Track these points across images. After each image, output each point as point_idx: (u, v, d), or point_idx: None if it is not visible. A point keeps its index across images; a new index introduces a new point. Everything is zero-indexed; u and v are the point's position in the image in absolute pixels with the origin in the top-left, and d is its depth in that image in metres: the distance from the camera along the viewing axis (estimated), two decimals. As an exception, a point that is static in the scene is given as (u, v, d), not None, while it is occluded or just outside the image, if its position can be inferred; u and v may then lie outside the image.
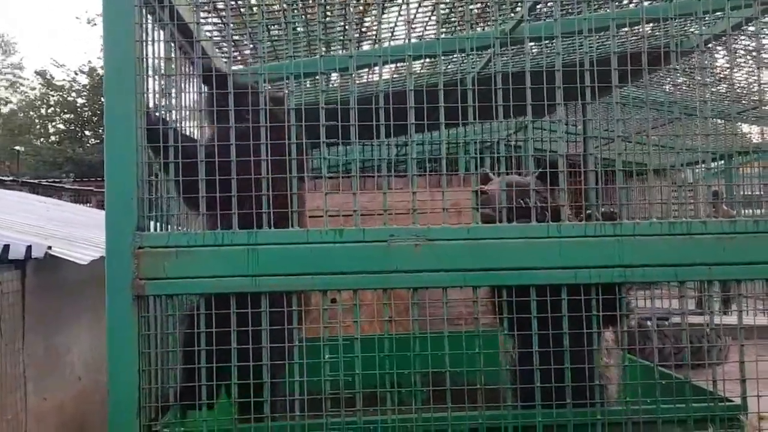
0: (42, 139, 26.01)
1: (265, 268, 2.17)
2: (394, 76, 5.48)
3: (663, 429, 2.19)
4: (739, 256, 2.20)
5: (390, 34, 4.62)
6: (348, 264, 2.19)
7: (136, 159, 2.18)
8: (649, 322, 4.74)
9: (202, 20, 2.72)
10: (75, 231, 4.13)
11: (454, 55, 5.06)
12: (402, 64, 4.63)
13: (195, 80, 2.80)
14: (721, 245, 2.20)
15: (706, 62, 2.70)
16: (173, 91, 2.49)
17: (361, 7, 4.79)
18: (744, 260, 2.20)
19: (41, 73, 25.87)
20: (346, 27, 4.09)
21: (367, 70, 5.08)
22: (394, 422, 2.18)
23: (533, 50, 4.98)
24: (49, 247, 3.02)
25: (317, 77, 2.44)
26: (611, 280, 2.21)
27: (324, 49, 4.72)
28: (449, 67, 5.33)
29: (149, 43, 2.31)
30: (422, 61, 4.75)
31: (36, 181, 10.16)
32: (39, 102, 27.26)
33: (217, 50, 3.57)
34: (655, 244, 2.21)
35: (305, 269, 2.18)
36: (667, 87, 7.19)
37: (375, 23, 4.88)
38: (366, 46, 5.32)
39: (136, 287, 2.14)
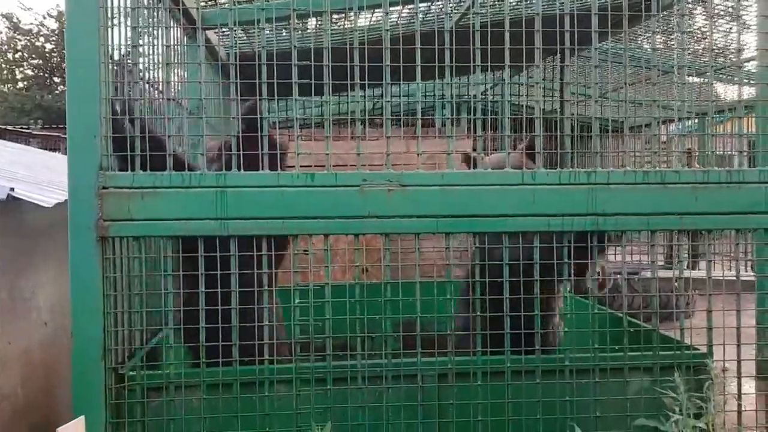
0: (9, 85, 25.12)
1: (234, 211, 2.12)
2: (370, 23, 5.33)
3: (629, 376, 2.23)
4: (710, 206, 2.20)
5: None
6: (319, 208, 2.14)
7: (99, 95, 2.09)
8: (618, 276, 4.80)
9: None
10: (41, 175, 4.00)
11: (433, 3, 4.94)
12: (379, 11, 4.50)
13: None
14: (693, 195, 2.20)
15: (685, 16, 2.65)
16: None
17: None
18: (715, 210, 2.20)
19: (7, 17, 24.86)
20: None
21: (342, 16, 4.93)
22: (363, 367, 2.18)
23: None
24: (12, 189, 2.91)
25: (290, 22, 2.31)
26: (583, 228, 2.21)
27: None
28: (427, 16, 5.20)
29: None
30: (399, 7, 4.61)
31: (3, 126, 9.83)
32: (5, 47, 26.25)
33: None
34: (628, 193, 2.20)
35: (275, 213, 2.13)
36: (645, 43, 7.14)
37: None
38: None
39: (100, 228, 2.08)
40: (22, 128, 9.61)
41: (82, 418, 1.88)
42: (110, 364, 2.10)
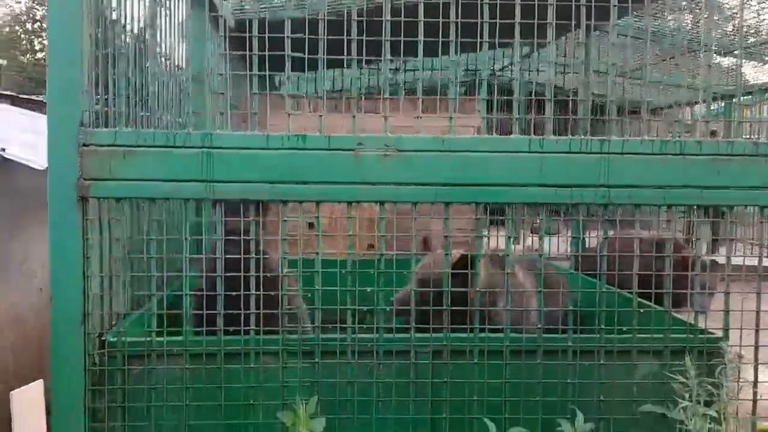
0: (28, 55, 25.24)
1: (221, 173, 2.00)
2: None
3: (637, 359, 2.09)
4: (733, 180, 2.04)
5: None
6: (311, 173, 2.01)
7: (81, 47, 1.97)
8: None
9: None
10: (40, 139, 3.92)
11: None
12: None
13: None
14: (715, 168, 2.04)
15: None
16: None
17: None
18: (739, 184, 2.04)
19: (27, -14, 24.97)
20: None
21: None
22: (353, 341, 2.07)
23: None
24: (3, 149, 2.83)
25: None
26: (594, 201, 2.06)
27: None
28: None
29: None
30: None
31: (16, 94, 9.79)
32: (24, 17, 26.32)
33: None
34: (644, 164, 2.04)
35: (264, 177, 2.01)
36: (670, 20, 6.85)
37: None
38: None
39: (80, 188, 1.97)
40: (36, 98, 9.56)
41: (40, 382, 1.80)
42: (91, 329, 2.01)
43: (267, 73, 2.08)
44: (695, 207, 2.15)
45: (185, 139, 1.99)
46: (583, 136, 2.05)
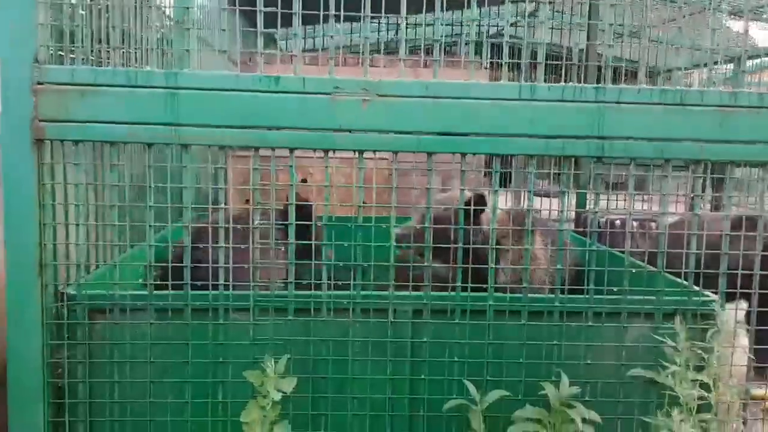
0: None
1: (187, 116, 1.85)
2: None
3: (627, 321, 1.99)
4: (737, 134, 1.90)
5: None
6: (284, 118, 1.87)
7: (35, -25, 1.80)
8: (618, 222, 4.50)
9: None
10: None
11: None
12: None
13: None
14: (717, 119, 1.90)
15: None
16: None
17: None
18: (743, 138, 1.90)
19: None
20: None
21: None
22: (329, 298, 1.95)
23: None
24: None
25: None
26: (587, 154, 1.92)
27: None
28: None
29: None
30: None
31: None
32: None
33: None
34: (641, 114, 1.90)
35: (234, 121, 1.87)
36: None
37: None
38: None
39: (36, 130, 1.83)
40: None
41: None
42: (49, 280, 1.89)
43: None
44: (694, 162, 2.02)
45: (148, 77, 1.84)
46: (577, 84, 1.91)
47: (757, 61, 6.89)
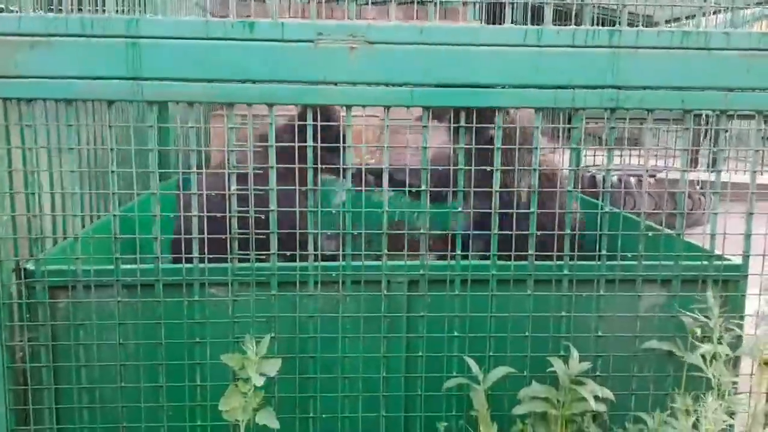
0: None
1: (151, 69, 1.64)
2: None
3: (643, 289, 1.82)
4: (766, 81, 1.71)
5: None
6: (260, 69, 1.66)
7: None
8: (632, 179, 4.32)
9: None
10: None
11: None
12: None
13: None
14: (745, 65, 1.70)
15: None
16: None
17: None
18: (772, 85, 1.71)
19: None
20: None
21: None
22: (315, 269, 1.77)
23: None
24: None
25: None
26: (600, 105, 1.73)
27: None
28: None
29: None
30: None
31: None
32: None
33: None
34: (660, 60, 1.70)
35: (204, 74, 1.65)
36: None
37: None
38: None
39: (-20, 87, 1.62)
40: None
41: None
42: (5, 255, 1.70)
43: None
44: (716, 113, 1.83)
45: (106, 25, 1.62)
46: (588, 27, 1.70)
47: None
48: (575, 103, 1.72)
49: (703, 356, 1.53)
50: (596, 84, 1.70)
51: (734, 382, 1.63)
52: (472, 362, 1.71)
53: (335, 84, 1.68)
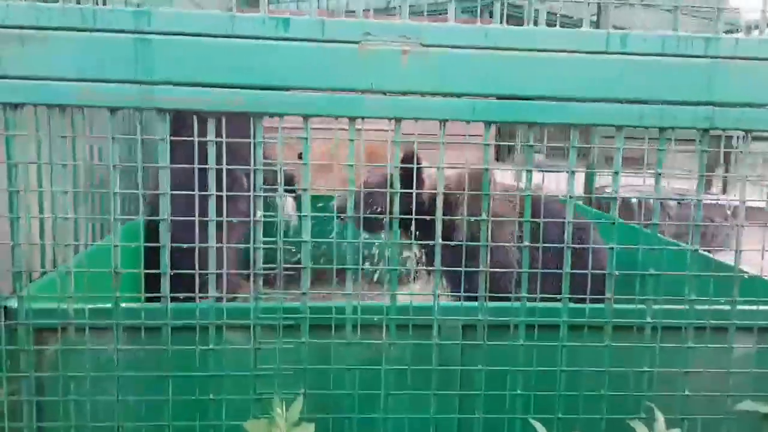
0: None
1: (164, 71, 1.37)
2: None
3: (736, 338, 1.55)
4: None
5: None
6: (295, 75, 1.39)
7: None
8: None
9: None
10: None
11: None
12: None
13: None
14: None
15: None
16: None
17: None
18: None
19: None
20: None
21: None
22: (355, 311, 1.49)
23: None
24: None
25: None
26: (693, 125, 1.47)
27: None
28: None
29: None
30: None
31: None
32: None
33: None
34: (762, 74, 1.46)
35: (228, 78, 1.38)
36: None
37: None
38: None
39: (-43, 89, 1.34)
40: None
41: None
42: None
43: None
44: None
45: (111, 18, 1.35)
46: (681, 33, 1.45)
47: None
48: (663, 122, 1.46)
49: None
50: (689, 100, 1.45)
51: None
52: (538, 426, 1.43)
53: (384, 93, 1.41)
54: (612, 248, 1.49)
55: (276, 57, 1.38)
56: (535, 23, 1.46)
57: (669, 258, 1.54)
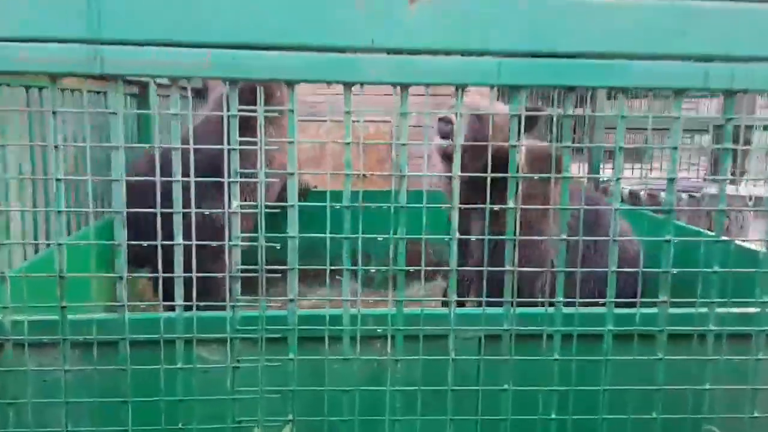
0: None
1: (117, 28, 1.10)
2: None
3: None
4: None
5: None
6: (278, 32, 1.12)
7: None
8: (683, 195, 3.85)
9: None
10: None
11: None
12: None
13: None
14: None
15: None
16: None
17: None
18: None
19: None
20: None
21: None
22: (354, 322, 1.23)
23: None
24: None
25: None
26: (764, 87, 1.20)
27: None
28: None
29: None
30: None
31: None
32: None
33: None
34: None
35: (196, 36, 1.11)
36: None
37: None
38: None
39: None
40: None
41: None
42: None
43: None
44: None
45: (47, -39, 1.08)
46: (756, -26, 1.17)
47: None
48: (734, 84, 1.18)
49: None
50: (765, 55, 1.17)
51: None
52: (578, 457, 1.17)
53: (387, 51, 1.14)
54: (668, 241, 1.21)
55: (256, 9, 1.11)
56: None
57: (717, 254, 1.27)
